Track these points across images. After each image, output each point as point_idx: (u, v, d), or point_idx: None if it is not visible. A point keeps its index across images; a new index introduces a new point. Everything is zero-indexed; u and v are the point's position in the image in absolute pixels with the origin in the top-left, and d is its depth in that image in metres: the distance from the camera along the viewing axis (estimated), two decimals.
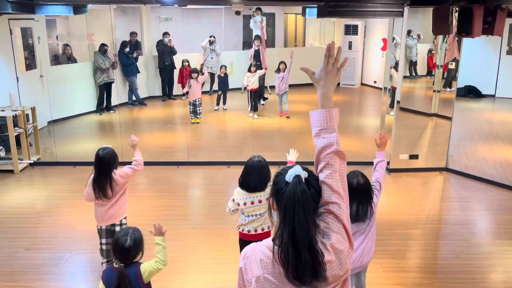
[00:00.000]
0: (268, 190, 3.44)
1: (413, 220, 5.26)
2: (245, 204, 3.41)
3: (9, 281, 4.03)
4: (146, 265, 2.73)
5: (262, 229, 3.48)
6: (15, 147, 6.53)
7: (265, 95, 10.60)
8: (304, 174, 1.62)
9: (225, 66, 9.98)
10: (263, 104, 10.35)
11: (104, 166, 3.69)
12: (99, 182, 3.69)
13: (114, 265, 2.71)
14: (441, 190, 6.34)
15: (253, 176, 3.36)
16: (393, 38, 6.78)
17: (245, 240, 3.51)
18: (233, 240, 4.63)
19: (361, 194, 3.00)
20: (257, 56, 9.99)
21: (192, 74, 9.06)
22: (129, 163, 3.91)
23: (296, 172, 1.62)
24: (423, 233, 4.98)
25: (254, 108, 9.50)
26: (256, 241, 3.53)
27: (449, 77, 6.84)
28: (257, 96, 9.53)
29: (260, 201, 3.41)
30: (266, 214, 3.45)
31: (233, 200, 3.45)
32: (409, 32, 6.51)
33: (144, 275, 2.69)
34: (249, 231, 3.46)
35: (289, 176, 1.61)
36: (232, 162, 6.95)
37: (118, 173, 3.76)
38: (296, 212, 1.56)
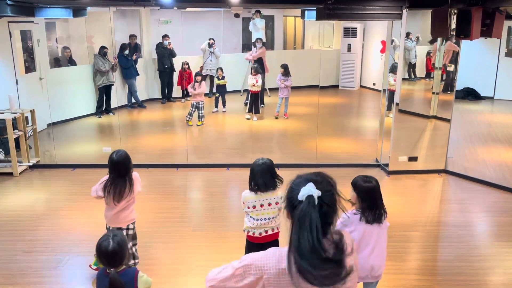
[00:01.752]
0: (278, 193, 3.45)
1: (412, 222, 5.27)
2: (254, 207, 3.41)
3: (8, 283, 4.03)
4: (145, 275, 2.73)
5: (273, 230, 3.49)
6: (15, 150, 6.53)
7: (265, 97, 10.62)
8: (317, 193, 1.62)
9: (221, 69, 9.98)
10: (262, 106, 10.36)
11: (121, 169, 3.69)
12: (117, 185, 3.68)
13: (107, 270, 2.69)
14: (440, 192, 6.35)
15: (264, 176, 3.37)
16: (392, 41, 6.80)
17: (254, 243, 3.51)
18: (232, 242, 4.64)
19: (371, 197, 3.05)
20: (258, 60, 10.03)
21: (196, 78, 9.10)
22: None
23: (308, 192, 1.62)
24: (422, 235, 4.98)
25: (256, 111, 9.52)
26: (265, 243, 3.56)
27: (448, 80, 6.85)
28: (258, 98, 9.54)
29: (269, 204, 3.41)
30: (276, 217, 3.45)
31: (243, 203, 3.47)
32: (408, 34, 6.52)
33: (140, 278, 2.69)
34: (260, 233, 3.46)
35: (301, 196, 1.63)
36: (232, 164, 6.96)
37: (137, 177, 3.80)
38: (305, 233, 1.58)
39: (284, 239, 3.60)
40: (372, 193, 3.05)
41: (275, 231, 3.51)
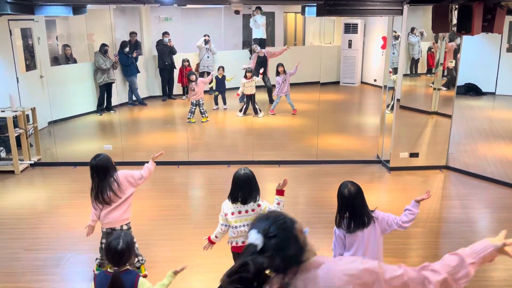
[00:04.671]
0: (256, 203, 3.41)
1: None
2: (232, 213, 3.40)
3: (9, 282, 4.03)
4: (146, 283, 2.72)
5: None
6: (16, 148, 6.53)
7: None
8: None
9: (223, 68, 9.97)
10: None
11: (103, 172, 3.71)
12: (100, 189, 3.71)
13: (108, 269, 2.70)
14: (441, 188, 6.34)
15: (241, 189, 3.37)
16: (398, 36, 6.75)
17: (238, 253, 3.50)
18: None
19: (353, 203, 3.01)
20: (263, 62, 10.01)
21: (190, 77, 9.06)
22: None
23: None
24: (423, 232, 4.97)
25: (255, 112, 9.52)
26: None
27: (449, 76, 6.83)
28: (254, 100, 9.54)
29: (247, 211, 3.39)
30: None
31: (225, 214, 3.44)
32: (412, 29, 6.51)
33: (143, 286, 2.68)
34: (243, 242, 3.43)
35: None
36: (232, 162, 6.95)
37: (130, 174, 3.79)
38: None
39: None
40: (346, 200, 3.01)
41: None
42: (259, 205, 3.42)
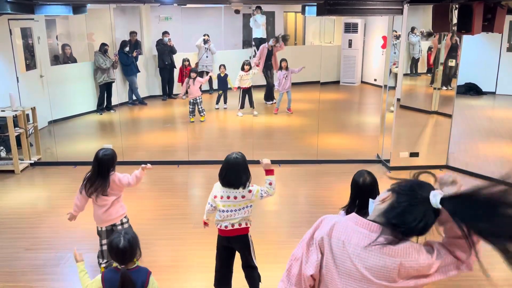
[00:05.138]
0: (246, 189, 3.41)
1: None
2: (221, 197, 3.42)
3: (10, 281, 4.03)
4: (155, 281, 2.72)
5: (240, 224, 3.46)
6: (16, 148, 6.53)
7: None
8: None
9: (224, 66, 9.96)
10: (274, 102, 10.28)
11: (102, 168, 3.73)
12: (92, 181, 3.74)
13: (118, 266, 2.70)
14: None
15: (229, 172, 3.40)
16: (398, 36, 6.75)
17: (221, 236, 3.53)
18: None
19: (367, 193, 2.93)
20: (272, 56, 10.00)
21: (191, 74, 9.06)
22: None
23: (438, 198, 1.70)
24: None
25: (251, 105, 9.50)
26: (232, 237, 3.44)
27: (450, 75, 6.83)
28: (250, 94, 9.52)
29: (235, 197, 3.42)
30: (242, 211, 3.43)
31: (215, 196, 3.47)
32: (413, 29, 6.50)
33: (151, 285, 2.68)
34: (226, 226, 3.45)
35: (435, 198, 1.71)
36: None
37: (118, 178, 3.78)
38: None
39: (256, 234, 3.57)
40: (360, 189, 2.90)
41: (243, 226, 3.47)
42: (250, 191, 3.43)
